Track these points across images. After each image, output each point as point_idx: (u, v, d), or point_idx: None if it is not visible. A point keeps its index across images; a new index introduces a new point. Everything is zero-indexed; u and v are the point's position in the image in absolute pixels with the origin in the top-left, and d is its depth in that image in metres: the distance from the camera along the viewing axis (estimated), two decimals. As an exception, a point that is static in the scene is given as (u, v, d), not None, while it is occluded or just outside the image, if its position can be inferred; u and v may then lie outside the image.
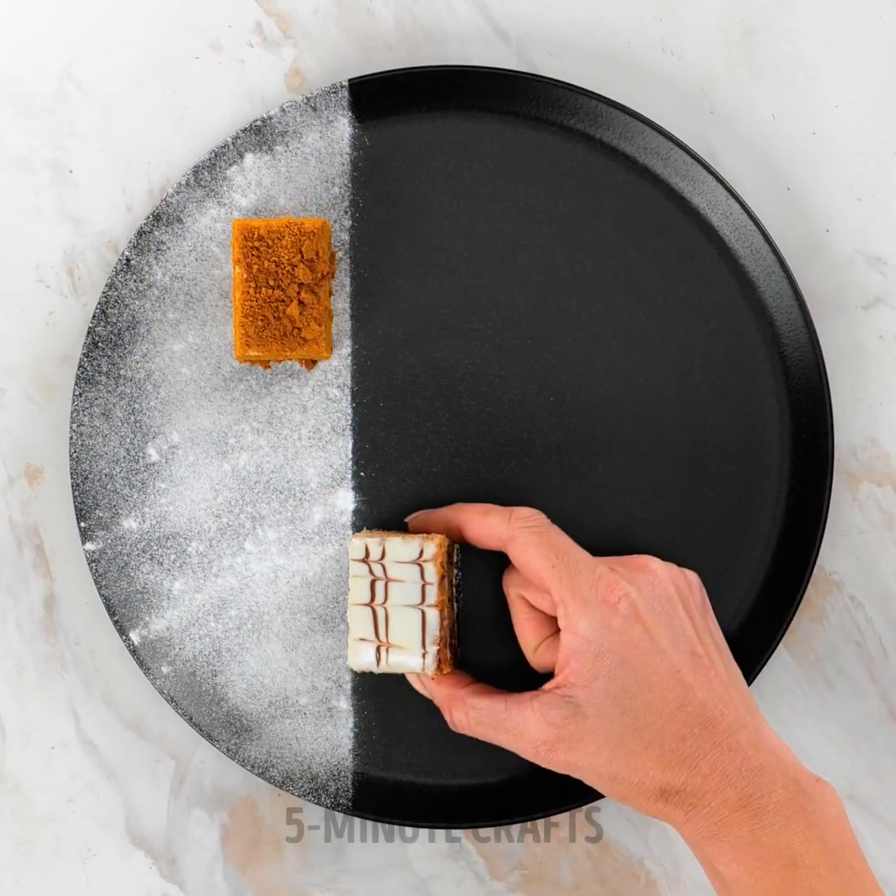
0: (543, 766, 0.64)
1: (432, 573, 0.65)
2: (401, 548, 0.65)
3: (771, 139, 0.72)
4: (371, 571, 0.65)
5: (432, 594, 0.65)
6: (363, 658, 0.65)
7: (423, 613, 0.65)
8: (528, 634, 0.67)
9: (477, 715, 0.65)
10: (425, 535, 0.66)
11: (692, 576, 0.67)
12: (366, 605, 0.65)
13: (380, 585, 0.65)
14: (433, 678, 0.67)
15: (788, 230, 0.72)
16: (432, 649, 0.65)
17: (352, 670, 0.70)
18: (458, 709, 0.66)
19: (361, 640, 0.65)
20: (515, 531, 0.65)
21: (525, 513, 0.66)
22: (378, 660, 0.65)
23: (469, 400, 0.70)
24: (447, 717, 0.67)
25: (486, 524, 0.66)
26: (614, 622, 0.62)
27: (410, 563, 0.65)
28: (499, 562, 0.69)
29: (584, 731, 0.62)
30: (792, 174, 0.72)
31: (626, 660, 0.62)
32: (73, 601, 0.72)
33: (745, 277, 0.70)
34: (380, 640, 0.65)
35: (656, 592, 0.64)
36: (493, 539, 0.66)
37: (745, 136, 0.72)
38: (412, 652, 0.65)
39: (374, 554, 0.65)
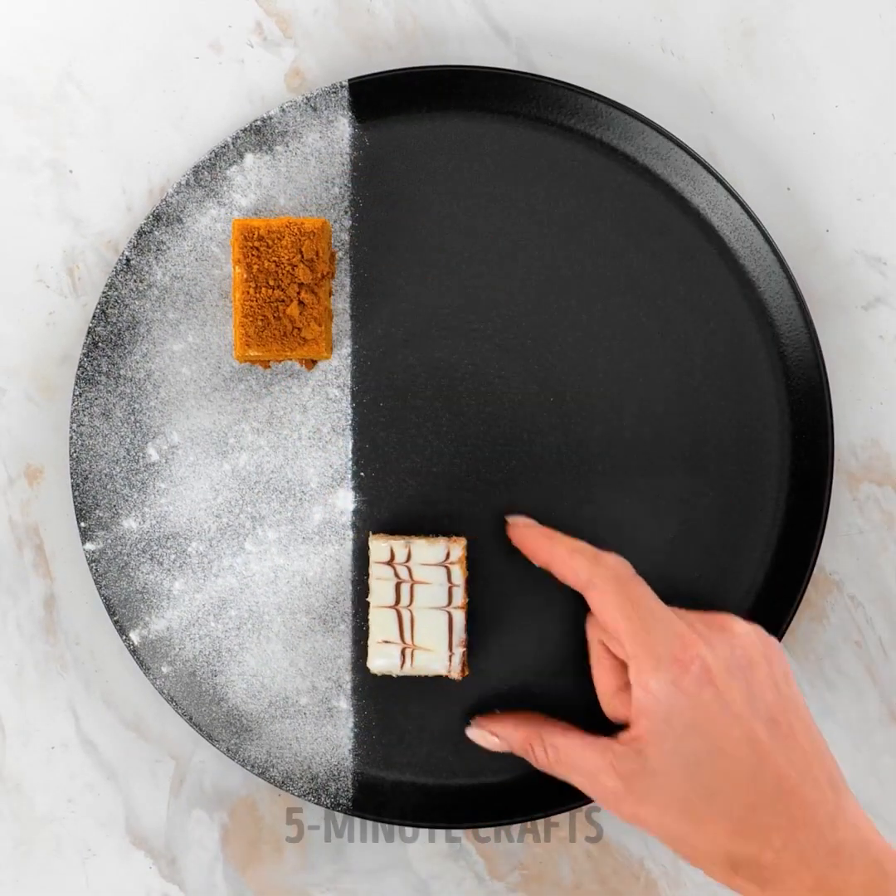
0: (615, 815, 0.63)
1: (459, 575, 0.66)
2: (427, 550, 0.65)
3: (771, 139, 0.72)
4: (396, 574, 0.66)
5: (459, 596, 0.66)
6: (386, 661, 0.65)
7: (450, 615, 0.65)
8: (603, 681, 0.65)
9: (555, 754, 0.65)
10: (449, 537, 0.66)
11: (775, 642, 0.65)
12: (390, 607, 0.65)
13: (405, 588, 0.65)
14: (497, 722, 0.67)
15: (788, 230, 0.72)
16: (458, 652, 0.65)
17: (351, 670, 0.70)
18: (539, 746, 0.65)
19: (385, 642, 0.65)
20: (596, 578, 0.63)
21: (611, 561, 0.64)
22: (403, 662, 0.65)
23: (469, 400, 0.70)
24: (531, 758, 0.66)
25: (570, 564, 0.65)
26: (685, 683, 0.61)
27: (437, 565, 0.65)
28: (509, 570, 0.69)
29: (653, 788, 0.61)
30: (792, 174, 0.72)
31: (696, 724, 0.60)
32: (73, 601, 0.72)
33: (745, 277, 0.70)
34: (405, 643, 0.65)
35: (736, 654, 0.62)
36: (574, 580, 0.65)
37: (745, 136, 0.72)
38: (438, 654, 0.65)
39: (400, 556, 0.66)
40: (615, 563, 0.64)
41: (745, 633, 0.63)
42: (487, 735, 0.68)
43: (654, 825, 0.61)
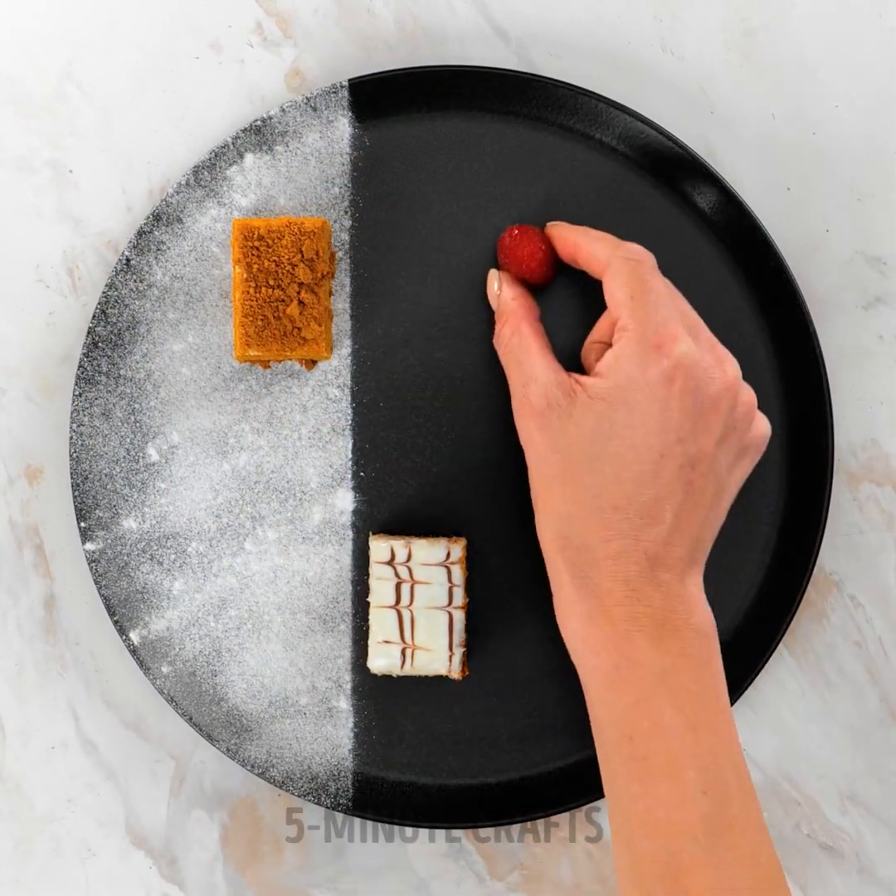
0: (517, 427, 0.64)
1: (459, 575, 0.66)
2: (427, 550, 0.65)
3: (771, 139, 0.72)
4: (396, 574, 0.66)
5: (459, 596, 0.66)
6: (386, 660, 0.65)
7: (450, 615, 0.65)
8: (596, 329, 0.67)
9: (518, 341, 0.65)
10: (450, 537, 0.67)
11: (762, 423, 0.65)
12: (390, 607, 0.65)
13: (405, 588, 0.65)
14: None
15: (788, 230, 0.71)
16: (459, 652, 0.65)
17: (351, 670, 0.70)
18: (512, 327, 0.66)
19: (385, 642, 0.65)
20: (615, 259, 0.64)
21: (633, 247, 0.65)
22: (403, 662, 0.65)
23: (469, 400, 0.70)
24: (497, 328, 0.67)
25: (592, 249, 0.66)
26: (650, 370, 0.62)
27: (437, 565, 0.65)
28: (509, 570, 0.69)
29: (559, 430, 0.62)
30: (792, 174, 0.72)
31: (632, 407, 0.61)
32: (73, 601, 0.72)
33: (746, 277, 0.69)
34: (405, 643, 0.65)
35: (711, 387, 0.62)
36: (595, 265, 0.66)
37: (745, 136, 0.72)
38: (438, 654, 0.65)
39: (400, 556, 0.66)
40: (637, 249, 0.65)
41: (740, 384, 0.64)
42: (495, 283, 0.68)
43: (534, 460, 0.63)
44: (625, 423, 0.61)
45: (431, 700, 0.69)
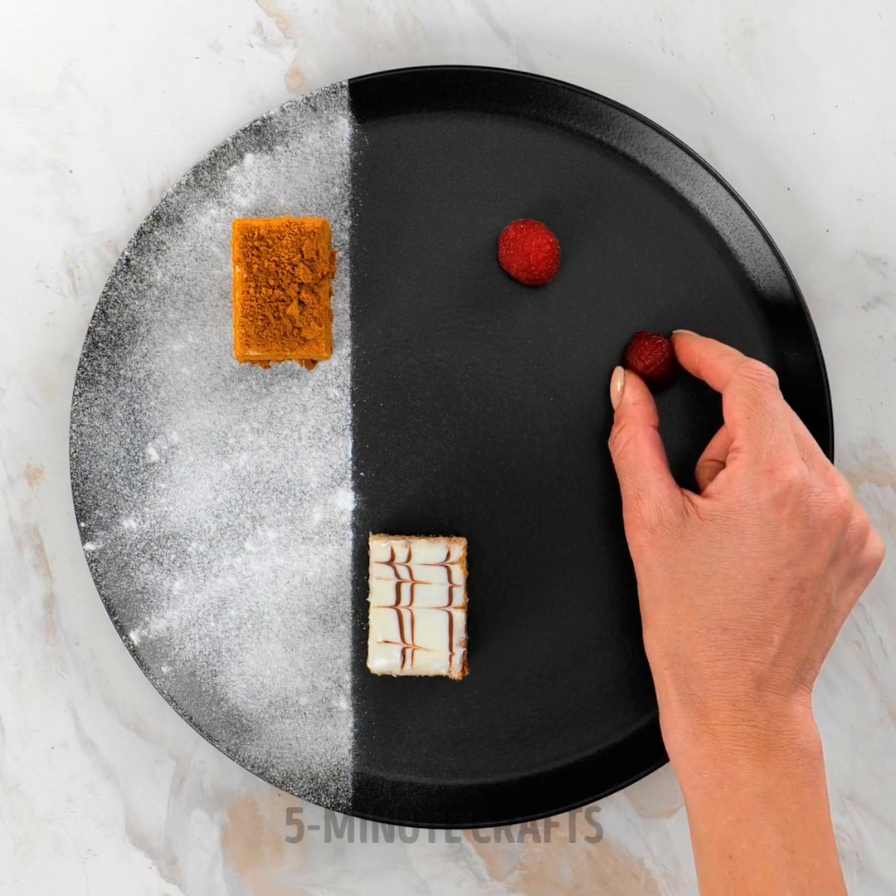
0: (629, 539, 0.65)
1: (459, 575, 0.66)
2: (428, 550, 0.65)
3: (771, 139, 0.72)
4: (396, 574, 0.66)
5: (459, 596, 0.66)
6: (386, 660, 0.65)
7: (450, 615, 0.65)
8: (711, 447, 0.67)
9: (634, 449, 0.66)
10: (450, 537, 0.67)
11: (875, 544, 0.65)
12: (390, 607, 0.65)
13: (405, 588, 0.65)
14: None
15: (788, 230, 0.71)
16: (459, 651, 0.65)
17: (351, 670, 0.70)
18: (629, 433, 0.66)
19: (385, 642, 0.65)
20: (736, 376, 0.64)
21: (757, 366, 0.65)
22: (403, 662, 0.65)
23: (469, 400, 0.70)
24: (614, 430, 0.68)
25: (717, 364, 0.66)
26: (762, 494, 0.62)
27: (438, 564, 0.65)
28: (509, 570, 0.69)
29: (670, 548, 0.63)
30: (792, 174, 0.72)
31: (743, 531, 0.62)
32: (73, 601, 0.72)
33: (745, 277, 0.69)
34: (405, 643, 0.65)
35: (823, 511, 0.62)
36: (716, 380, 0.66)
37: (745, 136, 0.71)
38: (438, 654, 0.65)
39: (400, 556, 0.66)
40: (759, 368, 0.65)
41: (854, 510, 0.64)
42: (618, 382, 0.69)
43: (644, 576, 0.64)
44: (735, 546, 0.62)
45: (431, 700, 0.69)
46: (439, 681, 0.69)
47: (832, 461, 0.69)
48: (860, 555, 0.64)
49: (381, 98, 0.69)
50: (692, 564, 0.62)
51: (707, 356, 0.66)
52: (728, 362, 0.65)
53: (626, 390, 0.67)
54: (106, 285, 0.69)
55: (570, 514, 0.69)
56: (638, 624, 0.68)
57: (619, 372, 0.68)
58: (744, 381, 0.64)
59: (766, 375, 0.64)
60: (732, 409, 0.64)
